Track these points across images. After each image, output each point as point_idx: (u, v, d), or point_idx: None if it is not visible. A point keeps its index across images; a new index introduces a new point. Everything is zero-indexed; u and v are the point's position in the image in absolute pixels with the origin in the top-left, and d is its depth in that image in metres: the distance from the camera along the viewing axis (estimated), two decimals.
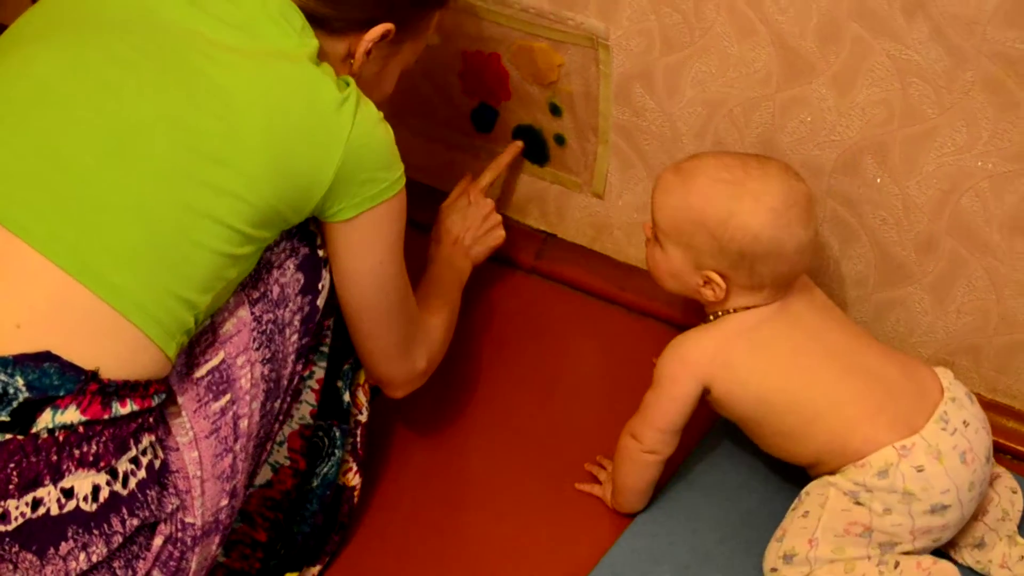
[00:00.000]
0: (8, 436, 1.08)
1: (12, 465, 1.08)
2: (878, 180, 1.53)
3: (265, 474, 1.40)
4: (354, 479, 1.50)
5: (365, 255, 1.33)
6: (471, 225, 1.70)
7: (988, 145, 1.41)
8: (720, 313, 1.49)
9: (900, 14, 1.37)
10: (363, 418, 1.49)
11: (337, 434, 1.46)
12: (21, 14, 1.30)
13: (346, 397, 1.45)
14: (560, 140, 1.79)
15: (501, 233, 1.72)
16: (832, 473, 1.42)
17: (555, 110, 1.76)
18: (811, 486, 1.44)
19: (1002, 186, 1.44)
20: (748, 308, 1.47)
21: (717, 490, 1.58)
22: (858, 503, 1.39)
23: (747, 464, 1.60)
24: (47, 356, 1.09)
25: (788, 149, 1.56)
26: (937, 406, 1.40)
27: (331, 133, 1.23)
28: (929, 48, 1.38)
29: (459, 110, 1.89)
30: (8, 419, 1.08)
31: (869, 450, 1.38)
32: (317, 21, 1.29)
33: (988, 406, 1.62)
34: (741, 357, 1.46)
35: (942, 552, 1.46)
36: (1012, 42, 1.32)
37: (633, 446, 1.50)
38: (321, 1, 1.30)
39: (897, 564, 1.40)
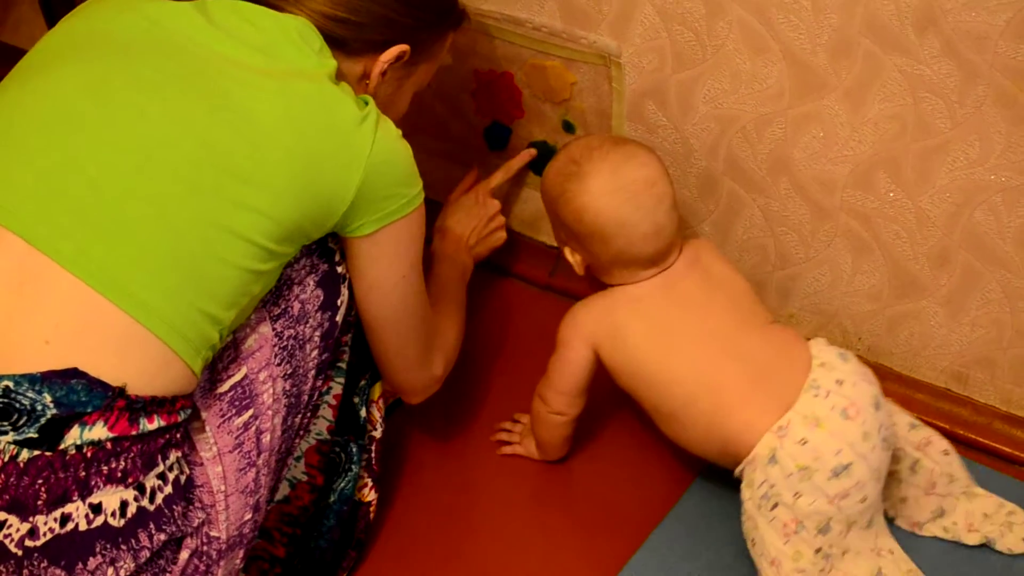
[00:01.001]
0: (36, 452, 1.09)
1: (40, 481, 1.09)
2: (891, 194, 1.53)
3: (283, 489, 1.41)
4: (370, 494, 1.51)
5: (386, 269, 1.35)
6: (477, 225, 1.72)
7: (1001, 159, 1.42)
8: (609, 286, 1.54)
9: (911, 29, 1.38)
10: (378, 434, 1.50)
11: (354, 449, 1.46)
12: (34, 36, 1.32)
13: (362, 413, 1.46)
14: None
15: (503, 235, 1.75)
16: (738, 478, 1.44)
17: (568, 127, 1.77)
18: (742, 519, 1.45)
19: (1015, 199, 1.45)
20: (632, 283, 1.51)
21: (732, 504, 1.58)
22: (774, 505, 1.39)
23: None
24: (75, 373, 1.10)
25: (801, 164, 1.57)
26: (807, 378, 1.41)
27: (352, 150, 1.24)
28: (941, 63, 1.39)
29: (472, 128, 1.90)
30: (36, 435, 1.09)
31: (749, 438, 1.39)
32: (334, 42, 1.32)
33: (1003, 418, 1.63)
34: (625, 326, 1.49)
35: (912, 540, 1.49)
36: (1023, 56, 1.33)
37: (542, 408, 1.58)
38: (338, 23, 1.32)
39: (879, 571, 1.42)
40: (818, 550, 1.39)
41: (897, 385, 1.68)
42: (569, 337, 1.54)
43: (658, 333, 1.48)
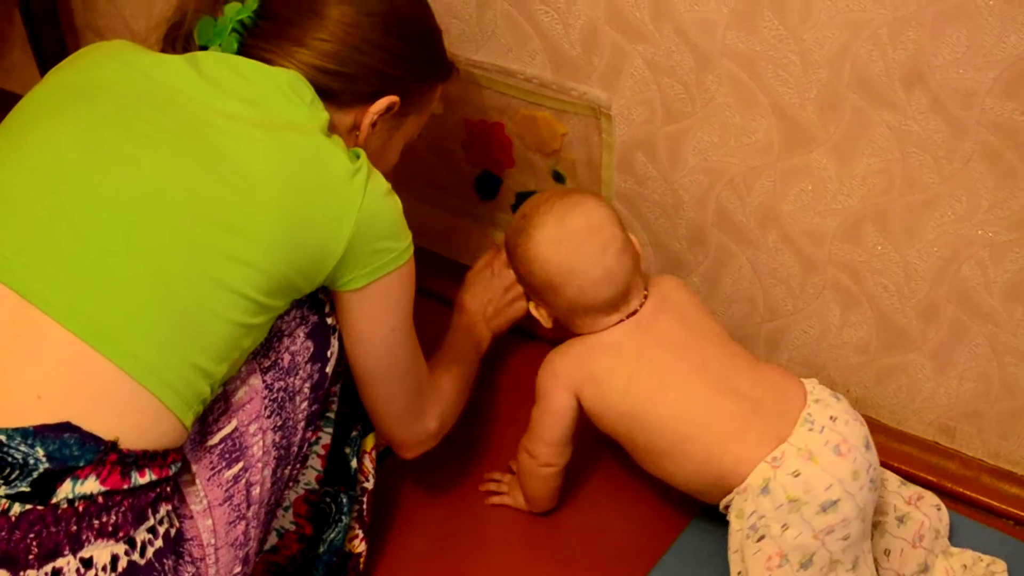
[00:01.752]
0: (28, 506, 1.08)
1: (32, 535, 1.08)
2: (879, 248, 1.54)
3: (271, 539, 1.40)
4: (360, 546, 1.50)
5: (377, 323, 1.35)
6: (493, 297, 1.71)
7: (988, 214, 1.43)
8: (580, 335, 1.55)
9: (899, 85, 1.39)
10: (369, 485, 1.49)
11: (344, 500, 1.46)
12: (26, 81, 1.32)
13: (353, 463, 1.46)
14: None
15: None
16: (724, 509, 1.44)
17: (558, 178, 1.78)
18: (729, 549, 1.45)
19: (1002, 254, 1.46)
20: (600, 330, 1.52)
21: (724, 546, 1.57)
22: (761, 537, 1.40)
23: None
24: (67, 427, 1.09)
25: (790, 217, 1.58)
26: (801, 412, 1.42)
27: (343, 204, 1.24)
28: (928, 119, 1.40)
29: (463, 177, 1.91)
30: (28, 489, 1.08)
31: (743, 470, 1.40)
32: (324, 94, 1.32)
33: (990, 472, 1.63)
34: (606, 372, 1.49)
35: None
36: (1011, 113, 1.34)
37: (530, 462, 1.57)
38: (328, 75, 1.33)
39: None
40: None
41: (885, 438, 1.68)
42: (550, 387, 1.53)
43: (645, 375, 1.48)
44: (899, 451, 1.68)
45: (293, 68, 1.31)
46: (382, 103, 1.37)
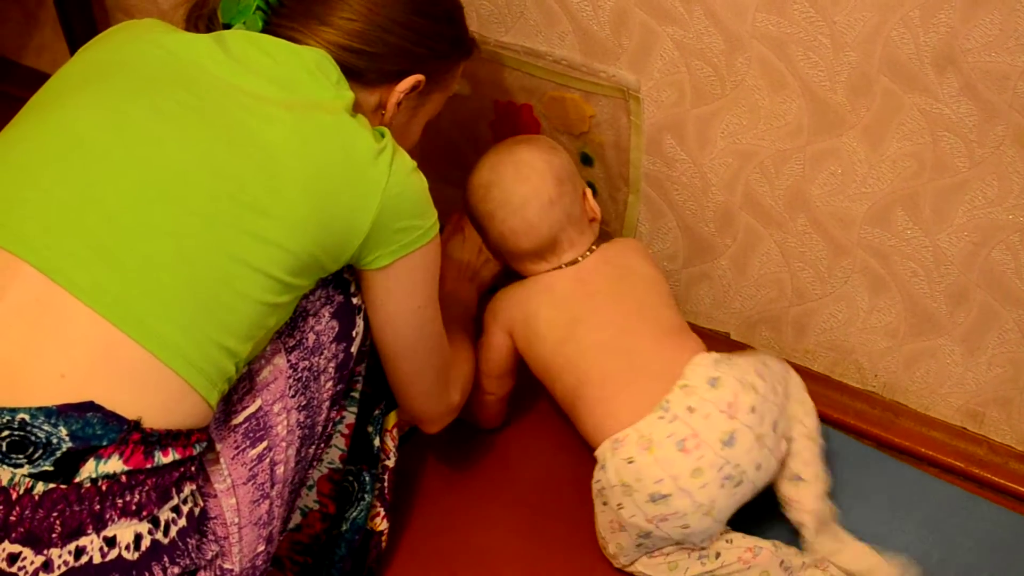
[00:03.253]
0: (52, 485, 1.09)
1: (55, 514, 1.09)
2: (908, 232, 1.53)
3: (295, 518, 1.41)
4: (382, 524, 1.50)
5: (403, 300, 1.35)
6: (470, 259, 1.73)
7: (1019, 199, 1.42)
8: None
9: (931, 68, 1.38)
10: (391, 463, 1.50)
11: (367, 479, 1.46)
12: (56, 60, 1.32)
13: (376, 442, 1.46)
14: (591, 189, 1.80)
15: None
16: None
17: (586, 160, 1.78)
18: None
19: None
20: (544, 272, 1.59)
21: None
22: (604, 502, 1.45)
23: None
24: (90, 406, 1.09)
25: (819, 201, 1.57)
26: (664, 396, 1.44)
27: (368, 183, 1.24)
28: (960, 102, 1.39)
29: None
30: (52, 468, 1.09)
31: (599, 437, 1.46)
32: (350, 73, 1.32)
33: (1018, 458, 1.63)
34: (535, 313, 1.58)
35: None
36: None
37: (476, 389, 1.64)
38: (354, 54, 1.33)
39: (719, 555, 1.45)
40: (639, 546, 1.46)
41: (913, 423, 1.68)
42: (488, 324, 1.64)
43: (561, 322, 1.54)
44: (927, 436, 1.67)
45: (319, 47, 1.31)
46: (408, 82, 1.37)
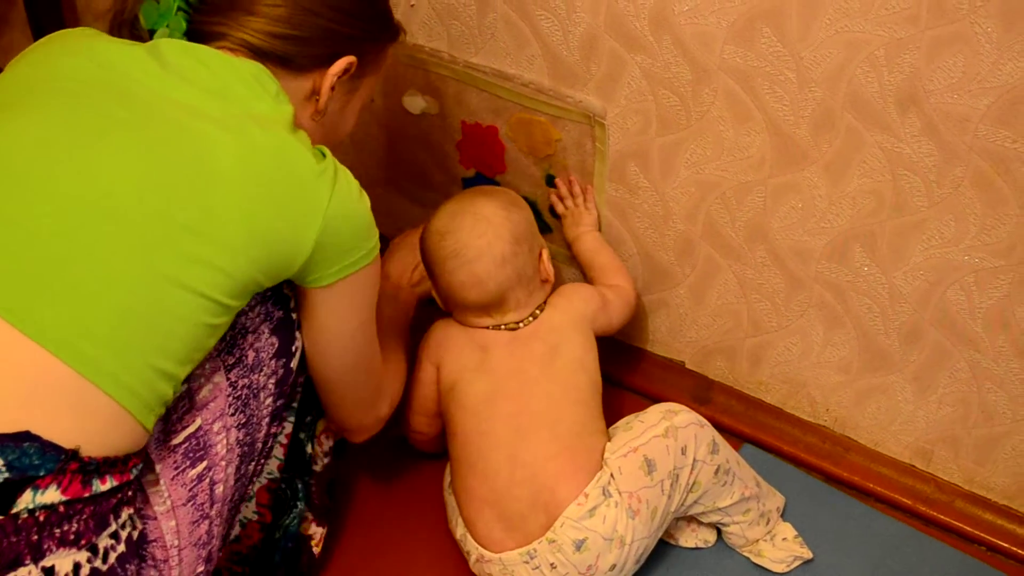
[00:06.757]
0: None
1: None
2: (865, 268, 1.55)
3: (234, 531, 1.40)
4: (312, 528, 1.50)
5: (342, 320, 1.33)
6: (415, 262, 1.72)
7: (975, 240, 1.44)
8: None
9: (894, 108, 1.40)
10: (319, 468, 1.50)
11: (299, 486, 1.46)
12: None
13: (309, 449, 1.46)
14: (555, 213, 1.81)
15: None
16: None
17: (551, 181, 1.79)
18: None
19: (987, 281, 1.46)
20: (483, 328, 1.58)
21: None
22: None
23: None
24: (27, 436, 1.05)
25: (778, 234, 1.58)
26: (525, 547, 1.44)
27: (310, 204, 1.21)
28: (921, 142, 1.41)
29: (454, 178, 1.91)
30: None
31: (475, 531, 1.49)
32: (281, 61, 1.30)
33: (965, 497, 1.64)
34: (463, 375, 1.55)
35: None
36: (1003, 141, 1.35)
37: (405, 427, 1.66)
38: (284, 40, 1.30)
39: None
40: None
41: (862, 458, 1.69)
42: (419, 356, 1.63)
43: (483, 393, 1.52)
44: (875, 472, 1.68)
45: (248, 37, 1.28)
46: (340, 64, 1.34)
